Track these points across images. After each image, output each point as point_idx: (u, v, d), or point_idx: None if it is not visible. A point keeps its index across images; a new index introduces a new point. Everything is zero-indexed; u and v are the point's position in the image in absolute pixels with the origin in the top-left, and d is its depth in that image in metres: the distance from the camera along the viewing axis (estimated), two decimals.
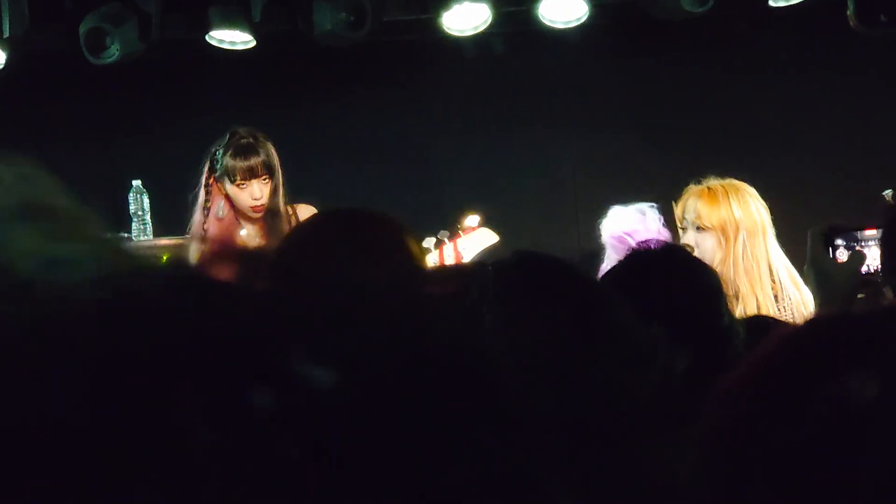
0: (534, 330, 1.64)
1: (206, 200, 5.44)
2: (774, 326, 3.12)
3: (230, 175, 5.37)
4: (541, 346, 1.63)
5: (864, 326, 1.07)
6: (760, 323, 3.28)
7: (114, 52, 6.76)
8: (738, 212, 4.61)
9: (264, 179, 5.38)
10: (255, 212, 5.39)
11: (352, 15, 6.82)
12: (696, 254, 4.23)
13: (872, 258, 2.81)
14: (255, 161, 5.37)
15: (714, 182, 4.71)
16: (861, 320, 1.08)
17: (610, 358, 1.66)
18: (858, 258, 2.80)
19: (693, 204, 4.65)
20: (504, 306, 1.56)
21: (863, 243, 2.84)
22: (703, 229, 4.61)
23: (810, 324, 1.15)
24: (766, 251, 4.60)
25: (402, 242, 2.58)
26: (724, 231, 4.58)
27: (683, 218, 4.69)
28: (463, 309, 1.47)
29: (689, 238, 4.63)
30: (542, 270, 1.75)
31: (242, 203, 5.40)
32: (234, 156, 5.38)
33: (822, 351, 1.05)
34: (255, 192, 5.37)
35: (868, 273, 2.80)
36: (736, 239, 4.56)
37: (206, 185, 5.44)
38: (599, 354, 1.65)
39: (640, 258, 2.42)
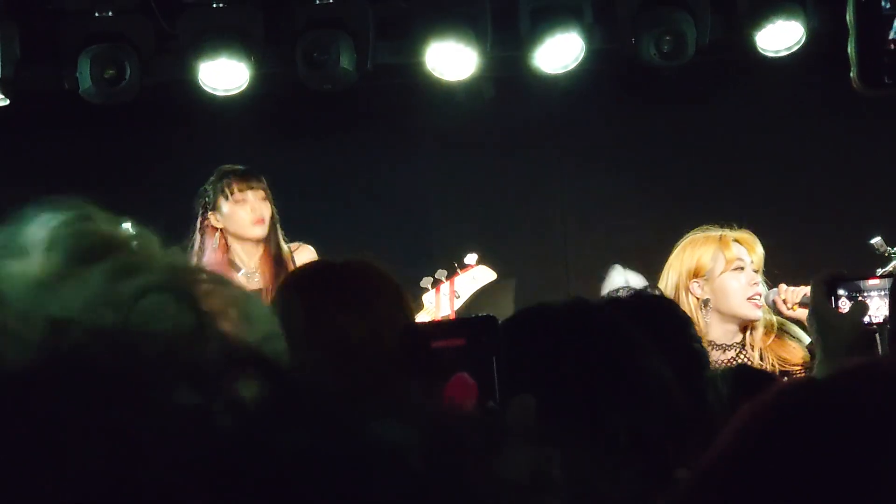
0: (553, 378, 1.64)
1: (201, 242, 5.24)
2: (761, 379, 3.13)
3: (225, 192, 5.15)
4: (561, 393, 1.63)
5: (834, 393, 1.09)
6: (744, 373, 3.29)
7: (128, 88, 6.77)
8: None
9: (262, 197, 5.19)
10: (258, 225, 5.14)
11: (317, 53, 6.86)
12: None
13: (875, 308, 2.80)
14: (250, 176, 5.22)
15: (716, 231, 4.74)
16: (831, 387, 1.10)
17: (639, 403, 1.67)
18: (861, 308, 2.79)
19: (758, 247, 4.71)
20: (517, 356, 1.56)
21: (865, 293, 2.83)
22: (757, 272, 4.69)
23: (781, 393, 1.17)
24: None
25: (397, 301, 2.58)
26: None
27: (749, 262, 4.68)
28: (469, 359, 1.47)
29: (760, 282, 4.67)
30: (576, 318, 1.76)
31: (242, 221, 5.14)
32: (227, 174, 5.22)
33: (796, 420, 1.07)
34: (255, 205, 5.15)
35: (870, 323, 2.80)
36: None
37: (201, 227, 5.24)
38: (632, 399, 1.66)
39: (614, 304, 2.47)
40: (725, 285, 4.58)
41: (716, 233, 4.70)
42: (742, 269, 4.62)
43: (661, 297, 2.66)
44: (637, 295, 2.58)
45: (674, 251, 4.71)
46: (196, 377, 0.71)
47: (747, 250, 4.66)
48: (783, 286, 4.68)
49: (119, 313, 0.73)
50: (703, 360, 2.44)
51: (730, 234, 4.69)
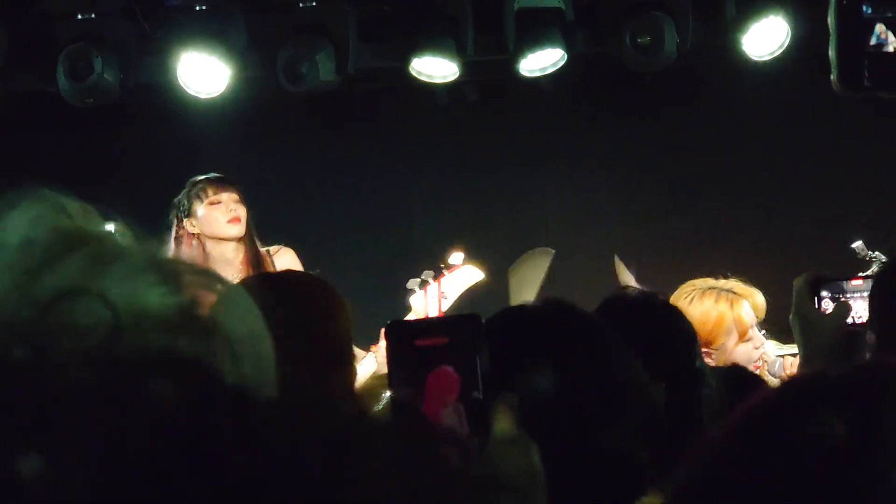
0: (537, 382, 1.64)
1: (176, 252, 5.20)
2: (752, 381, 3.13)
3: (200, 195, 5.20)
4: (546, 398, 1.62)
5: (839, 388, 1.09)
6: (737, 374, 3.28)
7: (103, 86, 6.77)
8: None
9: (236, 199, 5.24)
10: (234, 224, 5.19)
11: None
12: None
13: (858, 309, 2.80)
14: (224, 180, 5.26)
15: (707, 285, 4.55)
16: (837, 382, 1.10)
17: (622, 414, 1.66)
18: (844, 309, 2.78)
19: (759, 298, 4.52)
20: (500, 355, 1.56)
21: (848, 294, 2.83)
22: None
23: (789, 386, 1.17)
24: None
25: (336, 312, 2.55)
26: None
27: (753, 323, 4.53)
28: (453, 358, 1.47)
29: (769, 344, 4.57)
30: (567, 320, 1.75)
31: (218, 221, 5.19)
32: (200, 181, 5.25)
33: (801, 413, 1.07)
34: (230, 206, 5.21)
35: (853, 324, 2.79)
36: None
37: (177, 237, 5.26)
38: (614, 411, 1.66)
39: (620, 304, 2.44)
40: (736, 357, 4.43)
41: (719, 287, 4.46)
42: (751, 339, 4.49)
43: (671, 306, 2.62)
44: (646, 298, 2.55)
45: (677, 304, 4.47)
46: (104, 374, 0.71)
47: (751, 305, 4.49)
48: (788, 358, 4.58)
49: (34, 309, 0.75)
50: (705, 378, 2.41)
51: (737, 291, 4.47)
